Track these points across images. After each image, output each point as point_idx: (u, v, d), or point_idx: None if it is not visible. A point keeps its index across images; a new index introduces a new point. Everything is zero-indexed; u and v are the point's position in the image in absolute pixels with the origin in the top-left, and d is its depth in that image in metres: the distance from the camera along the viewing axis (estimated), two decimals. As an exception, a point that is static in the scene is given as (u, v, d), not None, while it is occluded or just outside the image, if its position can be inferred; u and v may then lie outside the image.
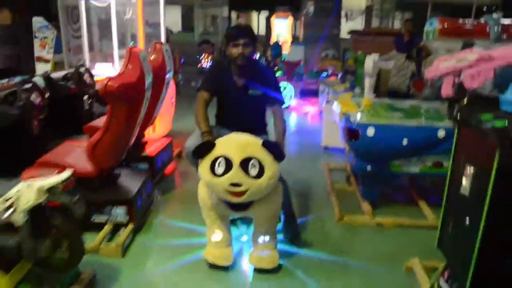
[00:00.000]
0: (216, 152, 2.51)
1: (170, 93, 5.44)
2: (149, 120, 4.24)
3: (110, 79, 2.84)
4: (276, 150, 2.55)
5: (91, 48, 6.62)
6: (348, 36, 12.77)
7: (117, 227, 3.19)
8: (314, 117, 7.64)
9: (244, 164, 2.45)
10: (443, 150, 3.35)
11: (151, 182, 3.76)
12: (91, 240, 2.94)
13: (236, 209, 2.69)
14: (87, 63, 5.45)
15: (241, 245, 3.10)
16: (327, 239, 3.33)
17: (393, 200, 3.90)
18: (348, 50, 12.51)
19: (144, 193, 3.44)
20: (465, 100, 2.16)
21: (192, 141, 2.93)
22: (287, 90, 8.12)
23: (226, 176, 2.44)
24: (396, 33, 12.06)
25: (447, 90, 2.28)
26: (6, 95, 3.17)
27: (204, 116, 2.93)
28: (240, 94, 3.05)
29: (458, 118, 2.12)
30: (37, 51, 4.52)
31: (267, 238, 2.81)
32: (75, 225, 2.31)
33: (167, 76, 4.18)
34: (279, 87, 3.18)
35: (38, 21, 4.54)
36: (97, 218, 3.14)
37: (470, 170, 2.01)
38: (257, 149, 2.51)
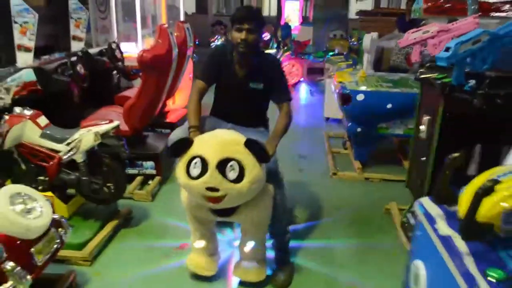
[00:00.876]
0: (193, 151, 2.20)
1: (188, 68, 6.06)
2: (172, 90, 4.86)
3: (144, 51, 3.46)
4: (259, 151, 2.20)
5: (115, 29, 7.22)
6: (356, 17, 13.15)
7: (146, 178, 3.85)
8: (319, 94, 8.20)
9: (222, 166, 2.13)
10: (423, 114, 3.92)
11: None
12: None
13: (219, 214, 2.40)
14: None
15: (233, 250, 2.88)
16: (321, 190, 3.93)
17: (381, 159, 4.48)
18: (354, 29, 12.98)
19: (167, 152, 4.09)
20: (427, 64, 2.72)
21: (176, 134, 2.58)
22: (295, 68, 8.69)
23: (201, 179, 2.13)
24: (401, 13, 12.50)
25: (415, 56, 2.85)
26: (58, 66, 3.81)
27: (195, 108, 2.57)
28: (240, 86, 2.69)
29: (420, 78, 2.70)
30: (72, 30, 5.13)
31: (254, 247, 2.50)
32: (120, 165, 2.96)
33: (188, 51, 4.78)
34: (286, 81, 2.81)
35: (73, 3, 5.14)
36: (130, 170, 3.79)
37: (426, 118, 2.59)
38: (237, 149, 2.18)
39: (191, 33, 4.80)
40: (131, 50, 5.99)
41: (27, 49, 4.33)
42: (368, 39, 5.57)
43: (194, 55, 10.49)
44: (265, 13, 18.92)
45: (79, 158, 2.78)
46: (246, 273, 2.55)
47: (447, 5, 4.10)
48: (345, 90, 3.95)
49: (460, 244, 1.48)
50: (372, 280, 2.67)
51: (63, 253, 2.47)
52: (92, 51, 4.84)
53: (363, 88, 3.97)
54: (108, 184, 2.92)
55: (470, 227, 1.43)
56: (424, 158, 2.62)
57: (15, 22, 4.26)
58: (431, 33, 2.79)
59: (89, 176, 2.85)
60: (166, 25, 3.72)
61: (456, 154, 1.61)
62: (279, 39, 10.37)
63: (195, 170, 2.16)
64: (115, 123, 2.81)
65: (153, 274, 2.69)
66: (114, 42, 5.21)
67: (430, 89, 2.59)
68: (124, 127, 3.75)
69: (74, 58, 4.00)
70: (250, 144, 2.19)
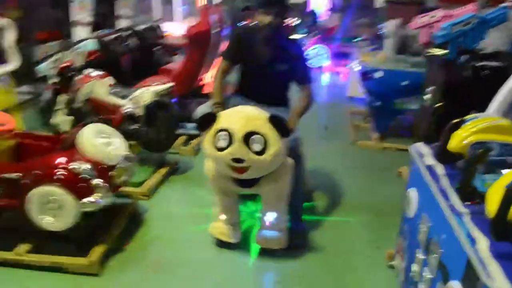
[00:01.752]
0: (219, 125, 2.37)
1: (221, 48, 6.61)
2: (209, 65, 5.42)
3: (191, 27, 4.03)
4: (282, 126, 2.36)
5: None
6: (383, 5, 13.44)
7: (190, 137, 4.43)
8: (345, 76, 8.65)
9: (247, 138, 2.30)
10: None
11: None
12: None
13: (242, 186, 2.55)
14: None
15: (254, 222, 3.07)
16: (342, 156, 4.45)
17: (399, 133, 4.96)
18: (380, 17, 13.31)
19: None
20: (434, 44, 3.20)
21: (202, 109, 2.87)
22: (322, 52, 9.16)
23: (227, 150, 2.31)
24: (423, 2, 12.76)
25: (423, 38, 3.33)
26: (115, 38, 4.42)
27: (219, 86, 2.81)
28: (263, 67, 2.81)
29: (426, 55, 3.18)
30: (118, 9, 5.76)
31: (274, 218, 2.66)
32: (172, 119, 3.54)
33: (224, 32, 5.32)
34: (308, 65, 3.00)
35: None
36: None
37: (430, 88, 3.08)
38: (261, 124, 2.34)
39: (225, 16, 5.34)
40: (172, 30, 6.56)
41: (84, 24, 5.01)
42: (392, 24, 6.01)
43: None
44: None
45: (139, 111, 3.37)
46: (268, 242, 2.69)
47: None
48: (365, 68, 4.44)
49: (439, 169, 1.98)
50: (383, 229, 3.04)
51: (126, 189, 3.08)
52: (138, 28, 5.43)
53: (382, 66, 4.44)
54: (162, 135, 3.51)
55: (501, 227, 1.39)
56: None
57: (71, 1, 4.91)
58: (437, 18, 3.27)
59: (146, 127, 3.44)
60: (208, 6, 4.28)
61: (438, 104, 2.11)
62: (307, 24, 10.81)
63: (222, 142, 2.32)
64: (170, 84, 3.39)
65: (195, 214, 3.23)
66: (156, 21, 5.78)
67: (433, 64, 3.07)
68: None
69: (128, 32, 4.60)
70: (273, 120, 2.34)
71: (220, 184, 2.63)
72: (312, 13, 10.94)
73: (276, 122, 2.35)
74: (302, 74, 2.89)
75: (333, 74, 8.89)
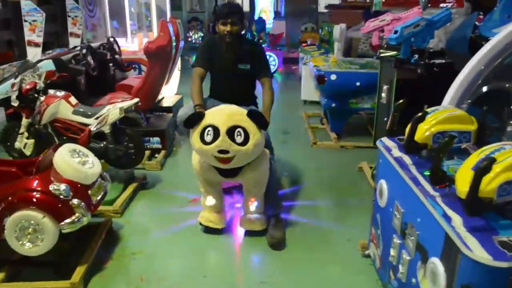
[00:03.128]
0: (205, 121, 2.68)
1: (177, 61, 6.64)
2: (169, 78, 5.46)
3: (149, 42, 4.07)
4: (260, 119, 2.71)
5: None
6: (325, 10, 13.94)
7: (153, 152, 4.46)
8: (295, 79, 8.94)
9: (230, 132, 2.62)
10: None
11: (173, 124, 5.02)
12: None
13: (226, 176, 2.87)
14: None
15: (235, 211, 3.40)
16: (304, 158, 4.63)
17: (354, 131, 5.21)
18: (324, 23, 13.79)
19: (169, 129, 4.70)
20: (384, 46, 3.43)
21: (184, 111, 3.17)
22: (272, 59, 9.39)
23: (214, 144, 2.62)
24: (366, 6, 13.35)
25: (375, 40, 3.56)
26: (72, 57, 4.37)
27: (198, 90, 3.12)
28: (230, 69, 3.22)
29: (379, 56, 3.41)
30: (70, 28, 5.67)
31: (256, 203, 3.00)
32: (139, 135, 3.56)
33: (181, 44, 5.39)
34: (268, 61, 3.42)
35: (70, 3, 5.69)
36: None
37: (385, 87, 3.30)
38: (242, 119, 2.67)
39: (182, 28, 5.40)
40: (122, 44, 6.54)
41: (36, 44, 4.89)
42: (338, 29, 6.31)
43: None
44: (238, 8, 19.56)
45: (107, 129, 3.38)
46: (252, 224, 3.02)
47: (404, -2, 4.86)
48: (320, 71, 4.65)
49: (407, 159, 2.16)
50: (350, 222, 3.26)
51: (99, 208, 3.06)
52: (94, 45, 5.39)
53: (335, 69, 4.67)
54: (130, 151, 3.53)
55: (474, 204, 1.56)
56: (386, 118, 3.32)
57: (25, 21, 4.80)
58: (387, 21, 3.52)
59: (114, 144, 3.45)
60: (167, 20, 4.34)
61: (400, 101, 2.30)
62: (253, 33, 11.03)
63: (208, 137, 2.64)
64: (136, 99, 3.42)
65: (169, 226, 3.26)
66: (112, 37, 5.75)
67: (387, 64, 3.31)
68: (133, 108, 4.35)
69: (85, 50, 4.56)
70: (251, 114, 2.69)
71: (205, 175, 2.93)
72: (261, 20, 11.21)
73: (255, 116, 2.69)
74: (263, 69, 3.28)
75: (283, 79, 9.14)
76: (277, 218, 3.09)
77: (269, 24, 12.81)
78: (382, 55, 3.39)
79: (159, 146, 4.43)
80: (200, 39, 13.57)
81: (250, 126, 2.67)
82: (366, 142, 4.83)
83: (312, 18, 13.33)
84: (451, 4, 4.35)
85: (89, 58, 4.53)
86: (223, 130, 2.62)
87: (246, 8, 16.75)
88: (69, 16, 5.68)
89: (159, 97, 5.62)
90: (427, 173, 1.99)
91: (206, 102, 3.23)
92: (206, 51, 3.28)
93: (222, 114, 2.70)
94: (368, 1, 15.61)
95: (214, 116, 2.71)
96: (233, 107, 2.80)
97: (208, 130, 2.65)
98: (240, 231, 3.12)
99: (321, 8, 14.83)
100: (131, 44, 6.80)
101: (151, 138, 4.40)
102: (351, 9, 12.73)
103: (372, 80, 4.62)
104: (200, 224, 3.08)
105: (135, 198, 3.64)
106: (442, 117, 2.09)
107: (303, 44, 9.82)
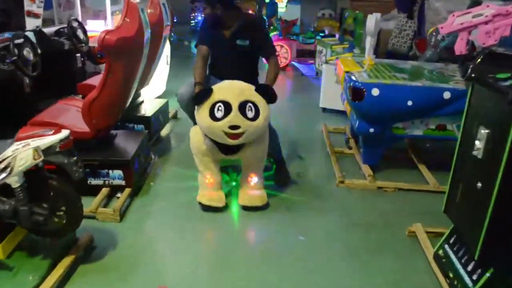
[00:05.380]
0: (215, 97, 2.66)
1: (166, 51, 5.28)
2: (146, 78, 4.11)
3: (108, 32, 2.70)
4: (269, 94, 2.75)
5: (82, 4, 6.38)
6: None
7: (114, 190, 3.12)
8: (311, 77, 7.51)
9: (242, 107, 2.64)
10: (447, 112, 3.28)
11: (148, 144, 3.67)
12: (87, 204, 2.80)
13: (227, 153, 2.86)
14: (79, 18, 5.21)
15: (230, 189, 3.28)
16: (327, 200, 3.29)
17: (393, 162, 3.84)
18: (345, 9, 12.23)
19: (142, 155, 3.36)
20: (479, 58, 2.05)
21: (185, 89, 3.13)
22: (284, 51, 7.95)
23: (225, 119, 2.61)
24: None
25: (460, 47, 2.18)
26: (2, 48, 3.00)
27: (201, 67, 3.06)
28: (229, 45, 3.15)
29: (472, 77, 2.03)
30: (27, 5, 4.28)
31: (255, 178, 3.02)
32: (72, 188, 2.22)
33: (165, 31, 4.02)
34: (268, 35, 3.39)
35: (26, -26, 4.29)
36: (94, 181, 3.06)
37: (484, 132, 1.94)
38: (252, 93, 2.71)
39: (168, 10, 4.03)
40: (98, 29, 5.15)
41: (36, 16, 4.19)
42: (372, 20, 4.86)
43: (172, 34, 9.69)
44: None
45: (14, 181, 2.03)
46: (252, 200, 3.01)
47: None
48: (357, 83, 3.26)
49: None
50: None
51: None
52: (48, 30, 4.03)
53: (378, 81, 3.29)
54: (58, 213, 2.20)
55: None
56: (480, 185, 1.97)
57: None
58: (485, 17, 2.11)
59: (29, 204, 2.11)
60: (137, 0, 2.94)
61: None
62: (263, 17, 9.55)
63: (219, 113, 2.62)
64: (63, 133, 2.05)
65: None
66: (75, 19, 4.37)
67: (487, 92, 1.94)
68: (84, 128, 3.01)
69: (20, 40, 3.18)
70: (260, 89, 2.74)
71: (205, 155, 2.92)
72: (272, 3, 9.76)
73: (263, 91, 2.75)
74: (266, 47, 3.22)
75: (297, 76, 7.69)
76: (282, 167, 3.44)
77: (282, 8, 11.30)
78: (475, 74, 2.02)
79: (122, 182, 3.09)
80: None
81: (260, 101, 2.70)
82: (413, 182, 3.49)
83: (330, 3, 11.80)
84: None
85: (27, 51, 3.14)
86: (235, 105, 2.63)
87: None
88: (26, -10, 4.30)
89: (139, 99, 4.32)
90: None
91: (207, 79, 3.14)
92: (206, 29, 3.25)
93: (233, 89, 2.70)
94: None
95: (224, 91, 2.69)
96: (241, 83, 2.79)
97: (219, 106, 2.64)
98: (239, 208, 3.04)
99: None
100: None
101: (110, 171, 3.05)
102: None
103: (430, 98, 3.27)
104: (201, 204, 3.00)
105: (70, 282, 2.31)
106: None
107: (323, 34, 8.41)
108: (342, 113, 4.98)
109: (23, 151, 1.97)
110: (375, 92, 3.19)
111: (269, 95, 2.73)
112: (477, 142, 1.99)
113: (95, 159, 3.02)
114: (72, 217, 2.24)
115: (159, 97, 5.44)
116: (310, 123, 5.11)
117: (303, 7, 10.30)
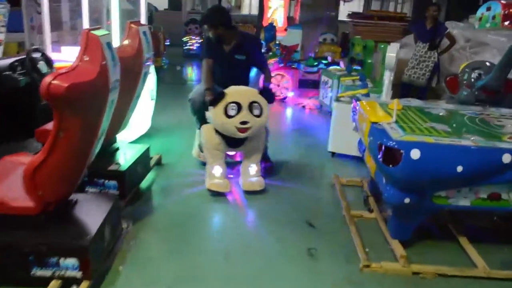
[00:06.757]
0: (228, 99, 3.33)
1: (150, 85, 4.55)
2: (121, 123, 3.35)
3: (56, 75, 1.94)
4: (269, 96, 3.51)
5: (58, 26, 5.66)
6: (347, 19, 11.80)
7: (68, 283, 2.31)
8: (313, 111, 6.76)
9: (250, 107, 3.35)
10: (505, 179, 2.54)
11: (120, 209, 2.88)
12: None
13: (232, 146, 3.58)
14: (48, 45, 4.45)
15: (231, 178, 3.76)
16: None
17: (427, 238, 3.06)
18: (345, 33, 11.60)
19: (108, 229, 2.56)
20: None
21: (196, 94, 3.77)
22: (285, 81, 7.21)
23: (238, 116, 3.31)
24: (401, 18, 11.19)
25: None
26: None
27: (209, 77, 3.68)
28: (228, 59, 3.78)
29: None
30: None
31: (254, 167, 3.66)
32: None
33: (145, 65, 3.29)
34: (260, 51, 4.45)
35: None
36: (39, 272, 2.25)
37: None
38: (256, 95, 3.44)
39: (150, 39, 3.30)
40: (72, 58, 4.40)
41: None
42: (393, 51, 4.21)
43: (163, 58, 8.97)
44: (245, 11, 17.43)
45: None
46: (253, 185, 3.60)
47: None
48: (391, 142, 2.50)
49: None
50: None
51: None
52: (0, 63, 3.27)
53: (418, 138, 2.54)
54: None
55: None
56: None
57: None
58: None
59: None
60: (101, 30, 2.19)
61: None
62: (262, 41, 8.84)
63: (232, 111, 3.31)
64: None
65: None
66: (36, 48, 3.62)
67: None
68: (26, 201, 2.22)
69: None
70: (263, 91, 3.50)
71: (215, 148, 3.53)
72: (271, 27, 9.08)
73: (265, 93, 3.49)
74: (260, 62, 4.00)
75: (298, 109, 6.90)
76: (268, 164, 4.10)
77: (281, 32, 10.62)
78: None
79: (77, 274, 2.28)
80: (198, 45, 11.41)
81: (263, 101, 3.43)
82: (456, 265, 2.72)
83: (332, 28, 11.18)
84: None
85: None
86: (245, 105, 3.33)
87: (254, 11, 14.66)
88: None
89: (113, 146, 3.55)
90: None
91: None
92: (209, 44, 3.82)
93: (242, 92, 3.42)
94: (403, 12, 13.49)
95: (235, 94, 3.37)
96: (246, 87, 3.59)
97: (233, 106, 3.31)
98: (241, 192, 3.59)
99: (342, 16, 12.72)
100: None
101: (61, 259, 2.25)
102: (380, 20, 10.62)
103: (484, 162, 2.53)
104: (209, 190, 3.51)
105: None
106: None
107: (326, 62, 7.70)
108: (356, 158, 4.25)
109: None
110: (415, 154, 2.43)
111: (270, 97, 3.50)
112: None
113: (41, 244, 2.22)
114: None
115: (143, 136, 4.69)
116: (318, 172, 4.34)
117: (304, 32, 9.61)
